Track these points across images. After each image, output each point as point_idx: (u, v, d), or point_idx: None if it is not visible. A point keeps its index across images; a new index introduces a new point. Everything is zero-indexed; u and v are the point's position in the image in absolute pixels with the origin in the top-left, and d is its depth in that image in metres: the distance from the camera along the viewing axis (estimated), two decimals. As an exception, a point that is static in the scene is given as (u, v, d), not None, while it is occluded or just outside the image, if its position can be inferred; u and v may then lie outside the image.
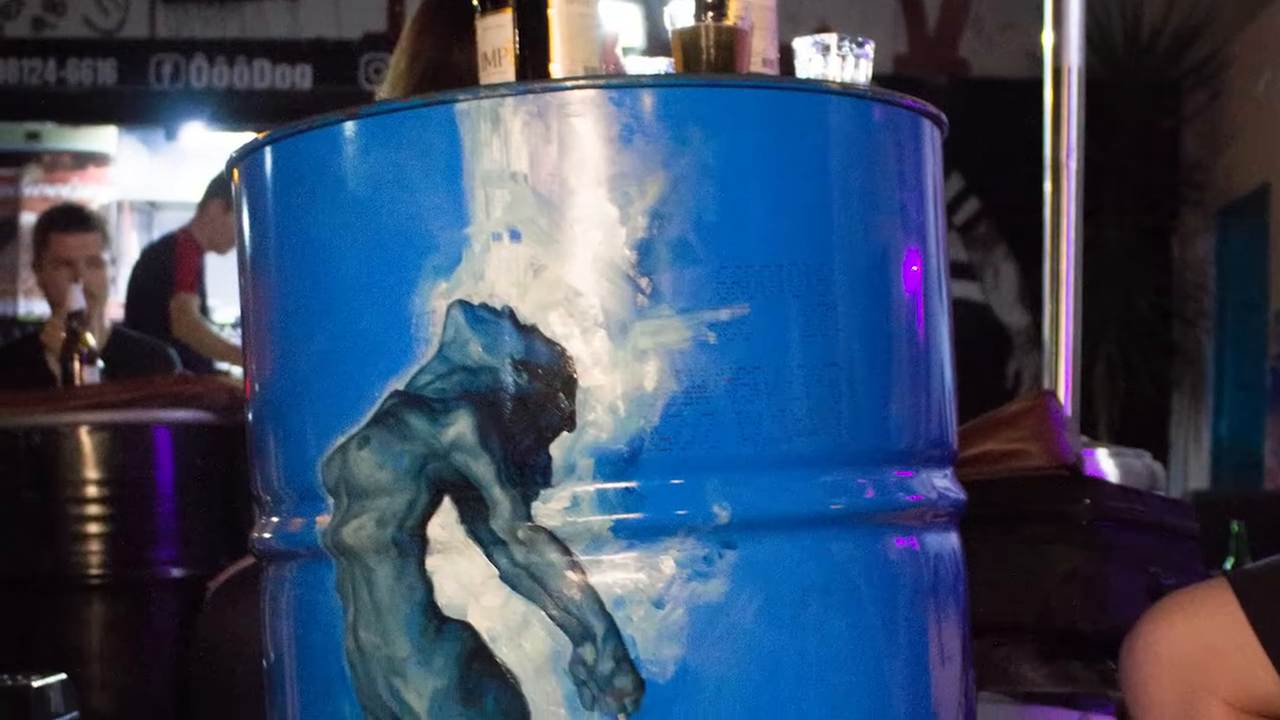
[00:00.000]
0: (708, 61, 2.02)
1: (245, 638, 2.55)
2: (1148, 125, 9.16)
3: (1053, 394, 3.52)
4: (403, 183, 1.85)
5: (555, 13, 2.00)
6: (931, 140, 2.04)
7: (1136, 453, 4.24)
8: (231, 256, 2.18)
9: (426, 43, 2.85)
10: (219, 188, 6.63)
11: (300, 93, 9.43)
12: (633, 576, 1.80)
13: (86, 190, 9.81)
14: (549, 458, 1.80)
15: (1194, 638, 2.27)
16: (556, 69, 2.00)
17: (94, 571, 4.03)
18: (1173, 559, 3.12)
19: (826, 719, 1.85)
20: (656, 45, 2.46)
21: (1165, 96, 9.35)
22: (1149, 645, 2.29)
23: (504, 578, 1.82)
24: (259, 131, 2.02)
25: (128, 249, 9.46)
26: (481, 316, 1.81)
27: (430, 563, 1.84)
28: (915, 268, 1.97)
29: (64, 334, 4.45)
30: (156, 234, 9.25)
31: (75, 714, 3.22)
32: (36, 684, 3.09)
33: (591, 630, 1.79)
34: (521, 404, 1.80)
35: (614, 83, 1.84)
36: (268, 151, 1.98)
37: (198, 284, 6.68)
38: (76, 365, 4.34)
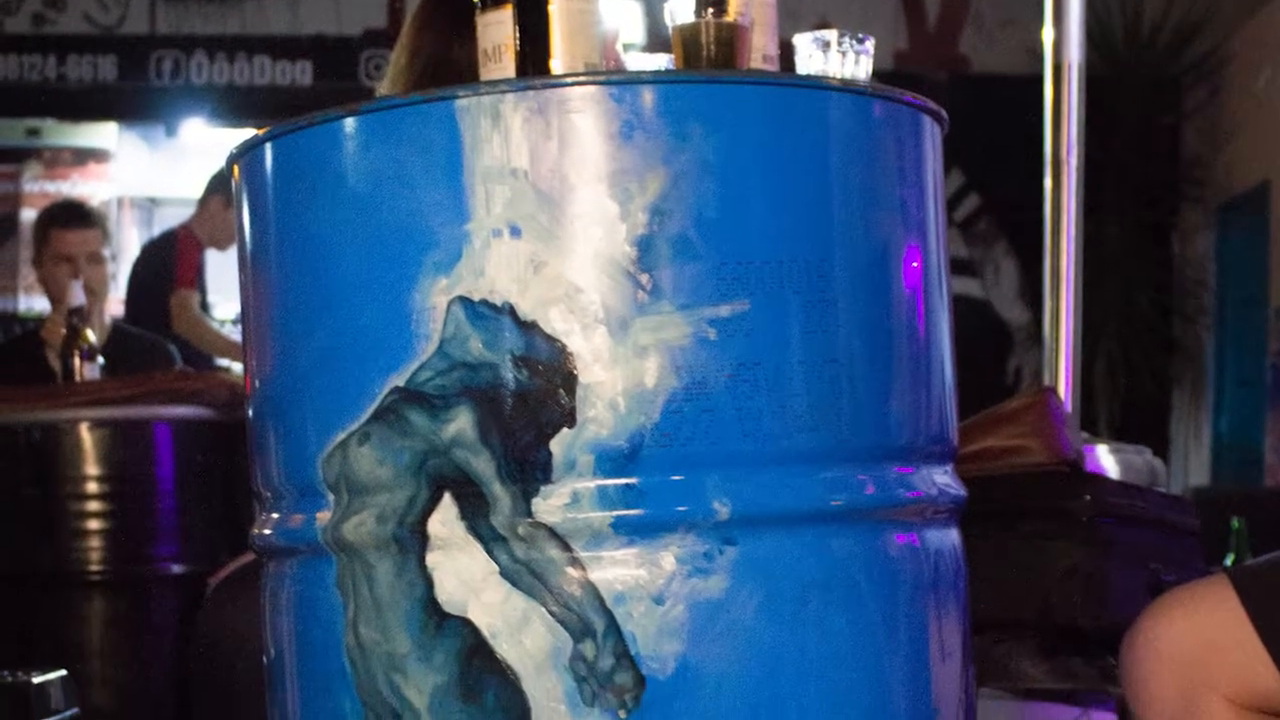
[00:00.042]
0: (708, 58, 2.02)
1: (246, 634, 2.55)
2: (1148, 122, 9.16)
3: (1053, 390, 3.52)
4: (403, 179, 1.85)
5: (556, 9, 2.00)
6: (932, 136, 2.04)
7: (1137, 449, 4.24)
8: (232, 253, 2.18)
9: (427, 39, 2.85)
10: (219, 184, 6.62)
11: (300, 89, 9.42)
12: (633, 573, 1.80)
13: (87, 186, 9.81)
14: (549, 454, 1.80)
15: (1194, 634, 2.27)
16: (557, 65, 2.00)
17: (94, 568, 4.03)
18: (1173, 555, 3.12)
19: (827, 715, 1.85)
20: (657, 41, 2.46)
21: (1165, 93, 9.35)
22: (1149, 641, 2.29)
23: (504, 574, 1.82)
24: (259, 128, 2.02)
25: (128, 245, 9.45)
26: (482, 313, 1.81)
27: (430, 559, 1.84)
28: (915, 264, 1.97)
29: (64, 330, 4.45)
30: (157, 230, 9.23)
31: (76, 710, 3.22)
32: (37, 680, 3.09)
33: (592, 626, 1.80)
34: (522, 400, 1.80)
35: (614, 79, 1.84)
36: (268, 148, 1.98)
37: (198, 280, 6.68)
38: (77, 361, 4.34)
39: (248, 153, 2.02)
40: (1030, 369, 9.15)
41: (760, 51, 2.12)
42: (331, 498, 1.91)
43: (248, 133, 2.05)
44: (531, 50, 2.00)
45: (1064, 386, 4.09)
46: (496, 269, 1.81)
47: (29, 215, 8.87)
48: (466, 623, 1.83)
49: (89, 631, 4.06)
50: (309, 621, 1.96)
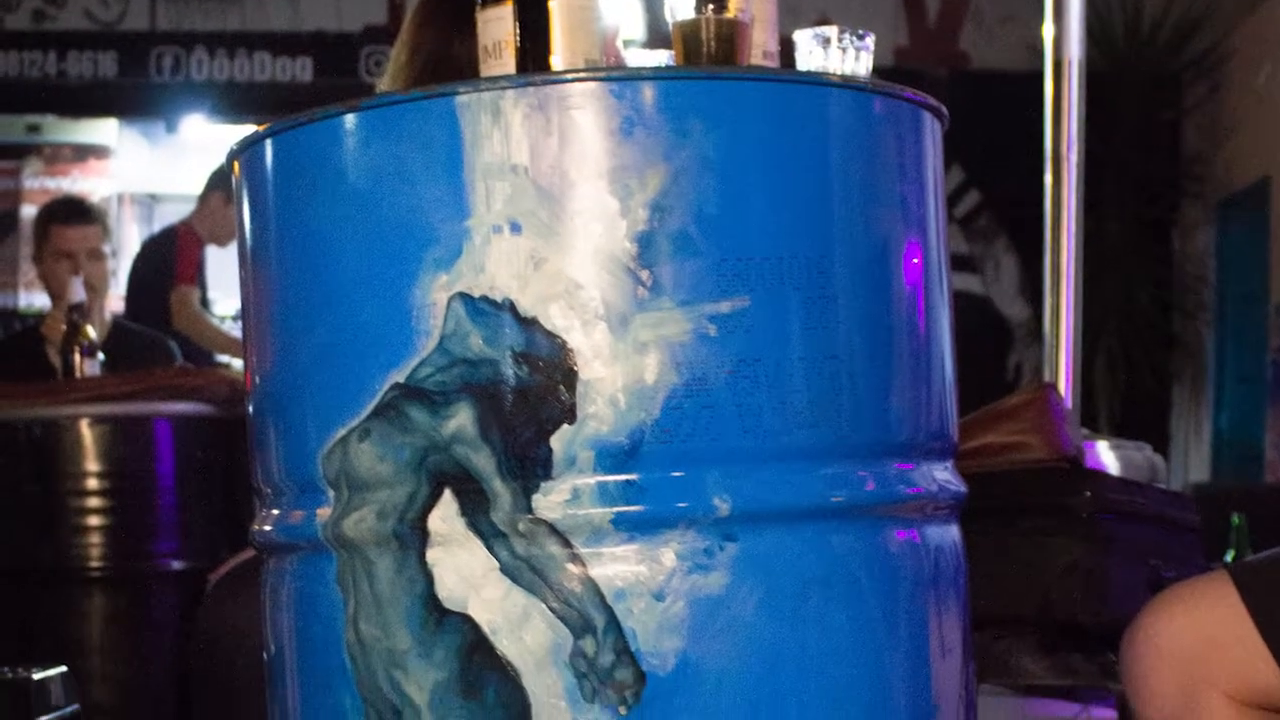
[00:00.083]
0: (708, 54, 2.02)
1: (246, 630, 2.56)
2: (1148, 118, 9.16)
3: (1053, 387, 3.52)
4: (403, 175, 1.85)
5: (556, 5, 2.00)
6: (932, 133, 2.04)
7: (1137, 445, 4.25)
8: (232, 249, 2.18)
9: (427, 35, 2.85)
10: (219, 180, 6.62)
11: (301, 85, 9.42)
12: (633, 569, 1.80)
13: (87, 183, 9.81)
14: (549, 450, 1.80)
15: (1194, 630, 2.27)
16: (557, 61, 2.00)
17: (94, 564, 4.03)
18: (1173, 551, 3.12)
19: (827, 711, 1.85)
20: (657, 38, 2.46)
21: (1166, 89, 9.34)
22: (1149, 638, 2.29)
23: (505, 570, 1.82)
24: (259, 124, 2.02)
25: (128, 241, 9.44)
26: (482, 309, 1.81)
27: (431, 555, 1.84)
28: (916, 260, 1.97)
29: (64, 326, 4.45)
30: (157, 226, 9.23)
31: (76, 706, 3.21)
32: (37, 676, 3.09)
33: (592, 623, 1.80)
34: (522, 396, 1.80)
35: (615, 75, 1.84)
36: (268, 144, 1.98)
37: (198, 276, 6.68)
38: (77, 358, 4.34)
39: (248, 149, 2.02)
40: (1030, 365, 9.15)
41: (760, 48, 2.12)
42: (332, 494, 1.91)
43: (248, 129, 2.04)
44: (532, 46, 2.01)
45: (1064, 383, 4.09)
46: (497, 265, 1.81)
47: (29, 211, 8.88)
48: (467, 619, 1.83)
49: (89, 628, 4.06)
50: (309, 618, 1.96)
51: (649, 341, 1.79)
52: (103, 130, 9.95)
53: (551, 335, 1.80)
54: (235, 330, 6.65)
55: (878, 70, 2.22)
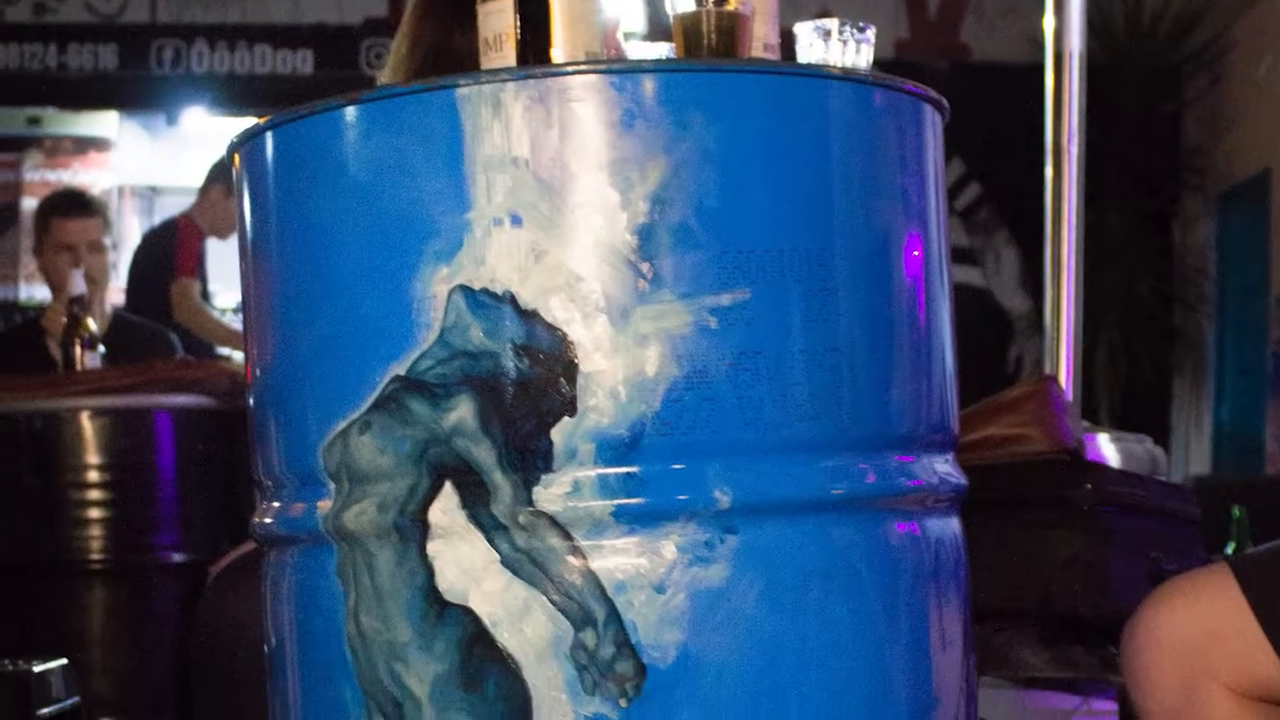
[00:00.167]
0: (709, 47, 2.02)
1: (246, 623, 2.55)
2: (1149, 110, 9.16)
3: (1054, 379, 3.52)
4: (404, 168, 1.84)
5: (556, -2, 2.00)
6: (933, 125, 2.03)
7: (1138, 438, 4.25)
8: (232, 241, 2.18)
9: (428, 28, 2.85)
10: (220, 173, 6.63)
11: (301, 78, 9.42)
12: (634, 561, 1.80)
13: (87, 175, 9.81)
14: (550, 443, 1.80)
15: (1195, 623, 2.27)
16: (558, 54, 2.00)
17: (95, 556, 4.03)
18: (1174, 544, 3.12)
19: (828, 704, 1.85)
20: (658, 30, 2.45)
21: (1166, 81, 9.34)
22: (1150, 630, 2.29)
23: (505, 563, 1.82)
24: (260, 117, 2.01)
25: (129, 234, 9.45)
26: (483, 301, 1.81)
27: (431, 548, 1.84)
28: (916, 253, 1.97)
29: (65, 319, 4.45)
30: (157, 219, 9.23)
31: (76, 699, 3.22)
32: (38, 669, 3.10)
33: (593, 615, 1.80)
34: (523, 389, 1.80)
35: (615, 68, 1.84)
36: (269, 137, 1.98)
37: (199, 269, 6.68)
38: (78, 350, 4.34)
39: (248, 141, 2.02)
40: (1031, 358, 9.15)
41: (761, 40, 2.12)
42: (332, 486, 1.91)
43: (248, 122, 2.04)
44: (532, 39, 2.00)
45: (1065, 375, 4.09)
46: (497, 258, 1.81)
47: (30, 204, 8.89)
48: (467, 611, 1.83)
49: (90, 620, 4.07)
50: (310, 610, 1.96)
51: (650, 334, 1.79)
52: (103, 123, 9.96)
53: (552, 328, 1.80)
54: (236, 323, 6.65)
55: (878, 63, 2.22)
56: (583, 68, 1.84)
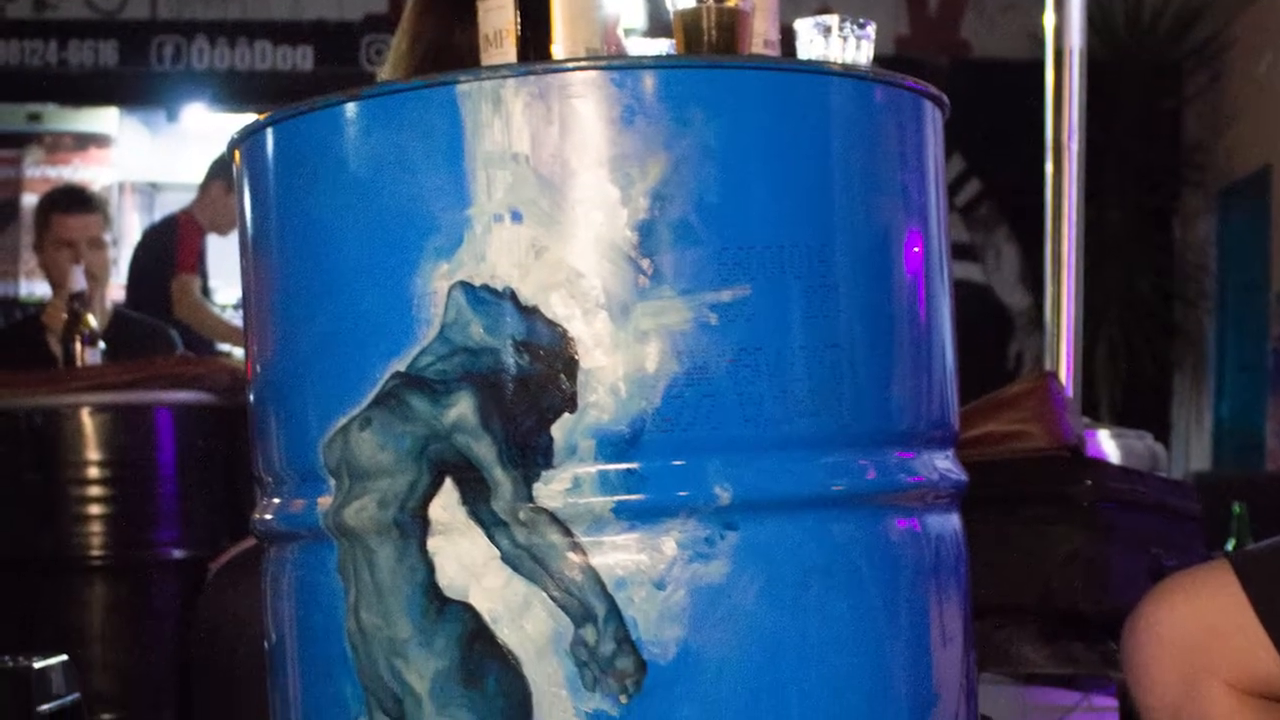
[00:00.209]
0: (709, 43, 2.02)
1: (247, 619, 2.56)
2: (1149, 107, 9.16)
3: (1054, 375, 3.52)
4: (404, 164, 1.84)
5: (556, -6, 2.00)
6: (933, 121, 2.03)
7: (1138, 434, 4.26)
8: (233, 238, 2.18)
9: (428, 24, 2.85)
10: (220, 169, 6.62)
11: (302, 74, 9.42)
12: (634, 558, 1.80)
13: (88, 171, 9.81)
14: (550, 439, 1.80)
15: (1195, 619, 2.27)
16: (558, 50, 1.99)
17: (95, 553, 4.03)
18: (1174, 540, 3.13)
19: (828, 700, 1.85)
20: (658, 26, 2.45)
21: (1166, 78, 9.35)
22: (1150, 626, 2.29)
23: (505, 559, 1.82)
24: (260, 113, 2.01)
25: (129, 230, 9.46)
26: (483, 298, 1.81)
27: (432, 544, 1.84)
28: (917, 249, 1.96)
29: (65, 315, 4.46)
30: (158, 215, 9.23)
31: (77, 695, 3.22)
32: (38, 665, 3.09)
33: (593, 611, 1.80)
34: (523, 385, 1.80)
35: (615, 64, 1.84)
36: (269, 133, 1.98)
37: (199, 265, 6.67)
38: (78, 346, 4.35)
39: (249, 138, 2.02)
40: (1031, 354, 9.16)
41: (761, 36, 2.12)
42: (333, 483, 1.91)
43: (249, 118, 2.04)
44: (533, 35, 2.00)
45: (1065, 371, 4.10)
46: (498, 254, 1.81)
47: (30, 200, 8.88)
48: (467, 608, 1.83)
49: (90, 616, 4.07)
50: (310, 607, 1.96)
51: (650, 330, 1.79)
52: (104, 119, 9.96)
53: (552, 324, 1.80)
54: (236, 319, 6.65)
55: (879, 59, 2.22)
56: (583, 64, 1.84)
